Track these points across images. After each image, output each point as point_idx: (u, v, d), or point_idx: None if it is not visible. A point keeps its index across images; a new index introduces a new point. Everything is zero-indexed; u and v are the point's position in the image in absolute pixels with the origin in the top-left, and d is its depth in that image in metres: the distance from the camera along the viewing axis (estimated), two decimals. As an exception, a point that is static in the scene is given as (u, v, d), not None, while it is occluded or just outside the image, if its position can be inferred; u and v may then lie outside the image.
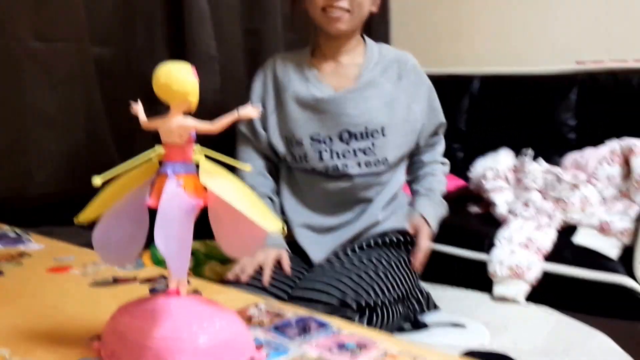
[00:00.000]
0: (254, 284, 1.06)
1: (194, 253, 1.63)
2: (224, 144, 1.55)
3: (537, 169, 1.63)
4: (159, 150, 0.53)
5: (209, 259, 1.65)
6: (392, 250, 1.19)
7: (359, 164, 1.19)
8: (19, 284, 0.78)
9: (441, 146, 1.36)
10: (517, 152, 1.77)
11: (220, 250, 1.86)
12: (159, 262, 1.65)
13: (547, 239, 1.45)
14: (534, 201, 1.56)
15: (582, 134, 1.83)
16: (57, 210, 1.47)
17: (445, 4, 2.31)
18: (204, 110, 1.74)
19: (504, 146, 1.81)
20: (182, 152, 0.53)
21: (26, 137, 1.38)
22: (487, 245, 1.49)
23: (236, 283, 1.06)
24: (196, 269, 1.58)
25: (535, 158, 1.71)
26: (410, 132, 1.24)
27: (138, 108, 0.54)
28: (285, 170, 1.28)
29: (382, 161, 1.20)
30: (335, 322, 0.62)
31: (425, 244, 1.20)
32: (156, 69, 0.52)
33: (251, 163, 1.26)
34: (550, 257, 1.42)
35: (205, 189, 0.53)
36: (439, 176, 1.32)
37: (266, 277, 1.07)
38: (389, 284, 1.10)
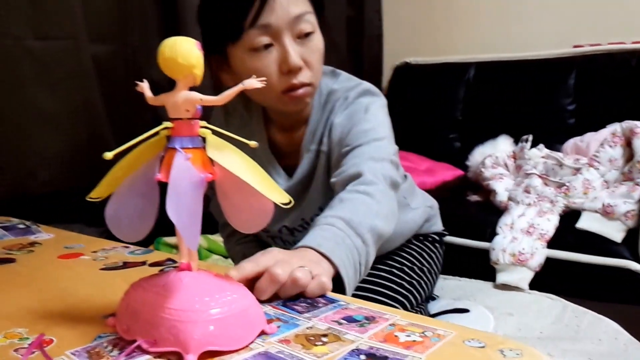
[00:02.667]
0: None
1: (195, 248, 1.65)
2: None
3: (537, 154, 1.63)
4: (166, 124, 0.54)
5: (211, 253, 1.67)
6: (425, 250, 1.14)
7: (302, 234, 0.87)
8: (32, 269, 0.79)
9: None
10: (516, 138, 1.76)
11: (222, 245, 1.86)
12: (163, 254, 1.67)
13: (550, 225, 1.45)
14: (535, 187, 1.55)
15: (581, 119, 1.81)
16: (60, 208, 1.49)
17: None
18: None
19: (503, 133, 1.80)
20: (189, 127, 0.53)
21: (28, 136, 1.40)
22: (488, 233, 1.49)
23: None
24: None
25: (535, 144, 1.70)
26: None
27: (144, 85, 0.55)
28: None
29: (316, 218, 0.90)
30: (343, 297, 0.63)
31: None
32: (161, 44, 0.53)
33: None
34: (554, 243, 1.41)
35: (212, 163, 0.54)
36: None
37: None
38: (425, 286, 1.07)
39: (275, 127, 1.02)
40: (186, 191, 0.50)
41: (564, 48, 1.91)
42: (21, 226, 1.07)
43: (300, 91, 0.89)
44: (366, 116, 0.94)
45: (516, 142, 1.76)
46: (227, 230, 1.17)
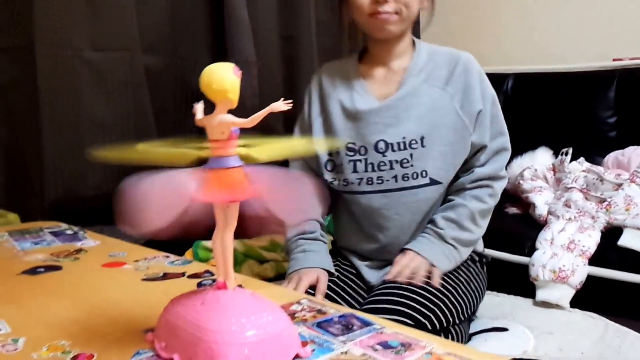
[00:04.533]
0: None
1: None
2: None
3: (578, 168, 1.60)
4: (205, 144, 0.57)
5: (247, 258, 1.69)
6: (463, 268, 1.14)
7: (395, 178, 1.12)
8: (77, 278, 0.83)
9: (493, 163, 1.16)
10: (556, 151, 1.74)
11: (258, 250, 1.87)
12: (201, 260, 1.69)
13: (591, 241, 1.41)
14: (576, 201, 1.52)
15: (623, 132, 1.79)
16: (108, 210, 1.55)
17: (474, 2, 2.28)
18: (244, 114, 1.78)
19: (542, 145, 1.78)
20: (225, 148, 0.56)
21: (81, 141, 1.46)
22: (528, 248, 1.47)
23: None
24: (234, 268, 1.61)
25: (575, 157, 1.67)
26: (458, 142, 1.13)
27: (198, 107, 0.59)
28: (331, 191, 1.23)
29: (422, 174, 1.12)
30: (377, 320, 0.63)
31: (408, 261, 1.07)
32: (203, 71, 0.56)
33: None
34: (595, 260, 1.38)
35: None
36: (469, 202, 1.13)
37: (319, 296, 1.04)
38: (463, 304, 1.06)
39: (371, 60, 1.22)
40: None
41: (604, 61, 1.89)
42: (69, 232, 1.12)
43: (383, 16, 1.11)
44: (499, 114, 1.17)
45: (556, 154, 1.73)
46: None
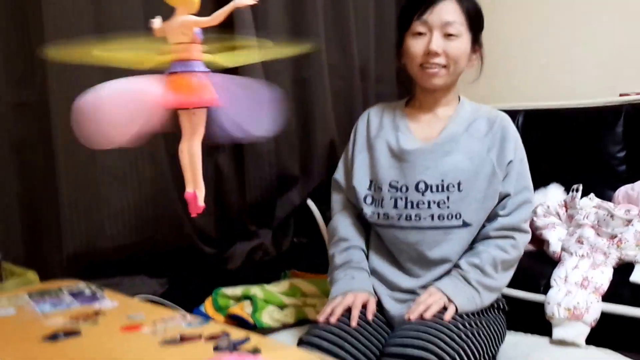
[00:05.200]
0: (343, 327, 1.13)
1: (251, 298, 1.70)
2: (323, 195, 1.67)
3: (589, 204, 1.63)
4: (168, 49, 0.57)
5: (267, 304, 1.71)
6: (483, 313, 1.21)
7: (432, 217, 1.22)
8: (96, 344, 0.86)
9: (517, 214, 1.25)
10: (567, 187, 1.77)
11: (278, 296, 1.90)
12: (221, 308, 1.73)
13: (604, 278, 1.44)
14: (588, 238, 1.55)
15: (632, 166, 1.82)
16: (127, 261, 1.58)
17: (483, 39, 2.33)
18: (261, 161, 1.85)
19: (553, 181, 1.81)
20: (189, 51, 0.56)
21: (98, 193, 1.50)
22: (542, 285, 1.50)
23: (325, 324, 1.14)
24: (254, 315, 1.64)
25: (586, 192, 1.71)
26: (490, 190, 1.24)
27: (156, 20, 0.58)
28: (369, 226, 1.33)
29: (456, 216, 1.22)
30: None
31: (426, 297, 1.16)
32: None
33: (344, 212, 1.36)
34: (609, 297, 1.40)
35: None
36: (492, 250, 1.22)
37: (354, 319, 1.13)
38: (482, 348, 1.12)
39: (418, 105, 1.34)
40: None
41: (610, 96, 1.93)
42: (88, 292, 1.14)
43: (433, 70, 1.24)
44: (527, 171, 1.29)
45: (567, 190, 1.76)
46: (336, 236, 1.34)
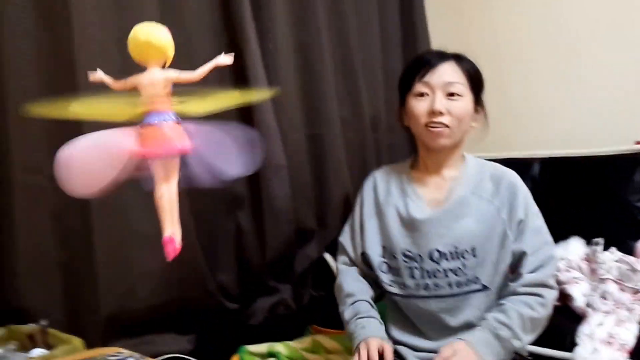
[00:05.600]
0: None
1: (276, 355, 1.70)
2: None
3: (610, 258, 1.63)
4: (142, 102, 0.58)
5: (290, 360, 1.72)
6: None
7: (450, 285, 1.22)
8: None
9: (542, 270, 1.23)
10: (588, 238, 1.77)
11: (301, 353, 1.89)
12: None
13: (630, 335, 1.44)
14: (611, 293, 1.55)
15: (653, 215, 1.80)
16: (158, 321, 1.61)
17: (494, 88, 2.34)
18: (279, 217, 1.87)
19: (574, 232, 1.80)
20: (162, 103, 0.58)
21: (129, 256, 1.54)
22: (568, 342, 1.49)
23: None
24: (279, 374, 1.65)
25: (607, 243, 1.70)
26: (504, 250, 1.24)
27: (98, 74, 0.59)
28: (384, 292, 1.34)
29: (474, 280, 1.22)
30: None
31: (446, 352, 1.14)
32: (132, 30, 0.57)
33: (348, 270, 1.37)
34: (636, 354, 1.40)
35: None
36: (519, 307, 1.20)
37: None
38: None
39: (424, 167, 1.34)
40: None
41: (626, 144, 1.93)
42: None
43: (437, 129, 1.25)
44: (543, 226, 1.27)
45: (588, 242, 1.76)
46: (342, 293, 1.35)
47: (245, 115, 1.78)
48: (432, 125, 1.25)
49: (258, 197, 1.79)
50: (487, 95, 2.33)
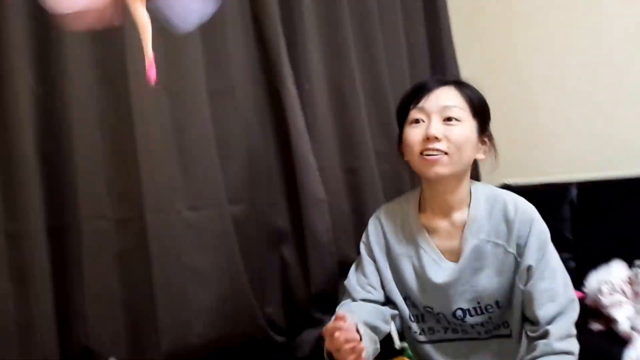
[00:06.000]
0: None
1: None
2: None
3: (653, 280, 1.62)
4: None
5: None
6: None
7: (479, 332, 1.21)
8: None
9: (563, 319, 1.12)
10: (629, 260, 1.76)
11: None
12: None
13: (677, 357, 1.43)
14: (656, 315, 1.54)
15: (694, 237, 1.80)
16: (213, 355, 1.68)
17: (527, 111, 2.35)
18: (322, 250, 1.91)
19: (616, 254, 1.80)
20: None
21: (184, 293, 1.60)
22: (615, 367, 1.49)
23: None
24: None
25: (650, 267, 1.70)
26: (522, 293, 1.17)
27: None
28: None
29: (503, 325, 1.20)
30: None
31: None
32: None
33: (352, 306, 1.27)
34: (684, 377, 1.39)
35: None
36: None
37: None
38: None
39: (431, 210, 1.23)
40: None
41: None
42: None
43: (434, 157, 1.14)
44: (560, 265, 1.15)
45: (629, 264, 1.75)
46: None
47: (284, 152, 1.86)
48: (427, 152, 1.14)
49: (300, 231, 1.84)
50: (515, 120, 2.36)
